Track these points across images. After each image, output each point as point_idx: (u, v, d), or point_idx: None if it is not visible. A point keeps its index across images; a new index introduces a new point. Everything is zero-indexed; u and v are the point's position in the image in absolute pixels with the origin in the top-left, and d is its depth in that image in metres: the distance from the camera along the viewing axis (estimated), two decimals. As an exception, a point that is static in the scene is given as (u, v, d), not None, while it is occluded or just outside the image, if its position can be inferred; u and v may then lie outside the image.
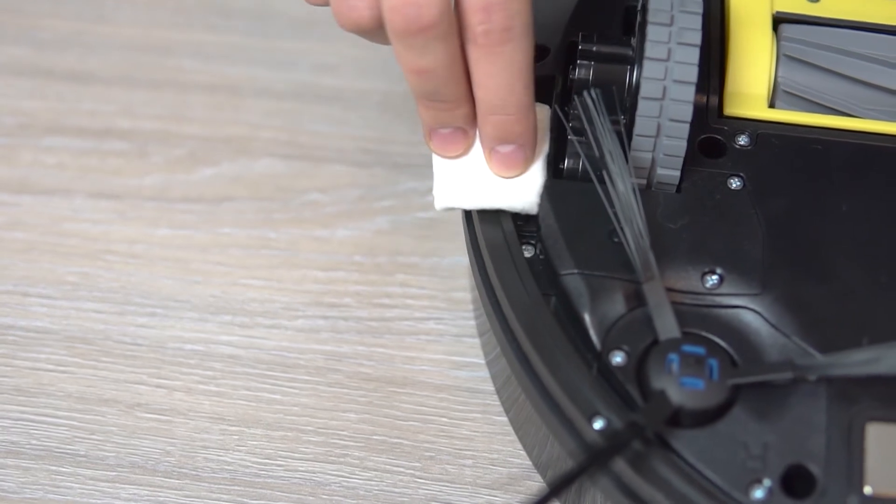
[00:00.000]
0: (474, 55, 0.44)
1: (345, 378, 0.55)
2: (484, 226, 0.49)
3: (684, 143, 0.47)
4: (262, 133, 0.63)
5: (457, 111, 0.46)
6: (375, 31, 0.44)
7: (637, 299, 0.46)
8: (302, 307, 0.57)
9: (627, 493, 0.44)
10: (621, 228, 0.46)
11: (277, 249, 0.59)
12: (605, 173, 0.46)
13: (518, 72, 0.45)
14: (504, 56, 0.44)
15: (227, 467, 0.53)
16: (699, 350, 0.45)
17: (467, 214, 0.50)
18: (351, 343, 0.56)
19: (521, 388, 0.47)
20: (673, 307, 0.45)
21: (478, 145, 0.48)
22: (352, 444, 0.53)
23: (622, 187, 0.46)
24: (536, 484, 0.53)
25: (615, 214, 0.46)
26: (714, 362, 0.44)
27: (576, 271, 0.47)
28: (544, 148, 0.48)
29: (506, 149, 0.47)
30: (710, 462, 0.43)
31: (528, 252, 0.48)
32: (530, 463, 0.53)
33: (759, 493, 0.43)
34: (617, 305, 0.46)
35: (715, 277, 0.47)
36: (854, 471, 0.43)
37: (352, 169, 0.62)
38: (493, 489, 0.53)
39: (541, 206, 0.49)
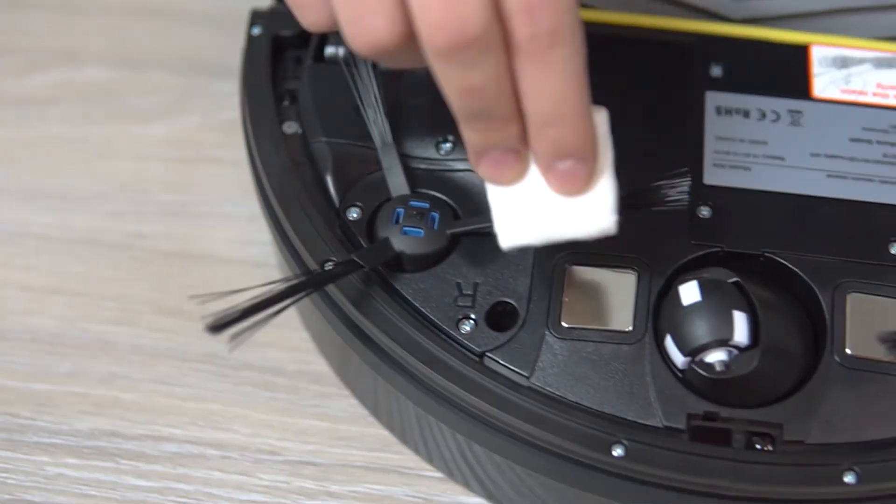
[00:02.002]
0: (521, 64, 0.39)
1: (144, 253, 0.60)
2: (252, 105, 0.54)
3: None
4: (91, 45, 0.68)
5: (509, 129, 0.41)
6: (398, 51, 0.39)
7: (376, 164, 0.51)
8: (111, 193, 0.62)
9: (352, 328, 0.49)
10: (360, 100, 0.51)
11: (95, 144, 0.64)
12: (350, 54, 0.52)
13: (571, 77, 0.40)
14: (554, 62, 0.39)
15: (29, 329, 0.58)
16: (423, 204, 0.50)
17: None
18: (152, 223, 0.61)
19: (276, 247, 0.52)
20: (409, 171, 0.51)
21: (535, 168, 0.43)
22: (144, 309, 0.58)
23: (363, 65, 0.51)
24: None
25: (355, 87, 0.51)
26: (436, 215, 0.49)
27: (323, 139, 0.52)
28: (608, 157, 0.43)
29: (565, 164, 0.42)
30: (426, 301, 0.48)
31: (290, 128, 0.53)
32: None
33: (466, 327, 0.48)
34: (356, 168, 0.51)
35: (448, 144, 0.52)
36: (553, 308, 0.48)
37: (171, 76, 0.67)
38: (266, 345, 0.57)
39: (301, 85, 0.54)
